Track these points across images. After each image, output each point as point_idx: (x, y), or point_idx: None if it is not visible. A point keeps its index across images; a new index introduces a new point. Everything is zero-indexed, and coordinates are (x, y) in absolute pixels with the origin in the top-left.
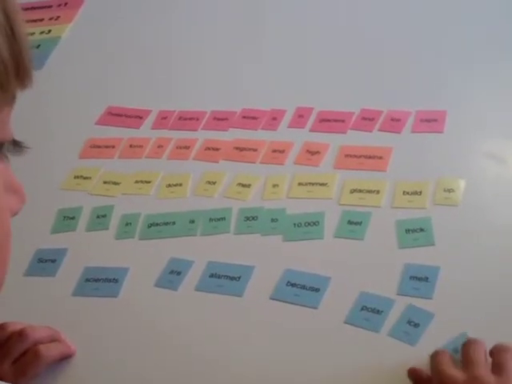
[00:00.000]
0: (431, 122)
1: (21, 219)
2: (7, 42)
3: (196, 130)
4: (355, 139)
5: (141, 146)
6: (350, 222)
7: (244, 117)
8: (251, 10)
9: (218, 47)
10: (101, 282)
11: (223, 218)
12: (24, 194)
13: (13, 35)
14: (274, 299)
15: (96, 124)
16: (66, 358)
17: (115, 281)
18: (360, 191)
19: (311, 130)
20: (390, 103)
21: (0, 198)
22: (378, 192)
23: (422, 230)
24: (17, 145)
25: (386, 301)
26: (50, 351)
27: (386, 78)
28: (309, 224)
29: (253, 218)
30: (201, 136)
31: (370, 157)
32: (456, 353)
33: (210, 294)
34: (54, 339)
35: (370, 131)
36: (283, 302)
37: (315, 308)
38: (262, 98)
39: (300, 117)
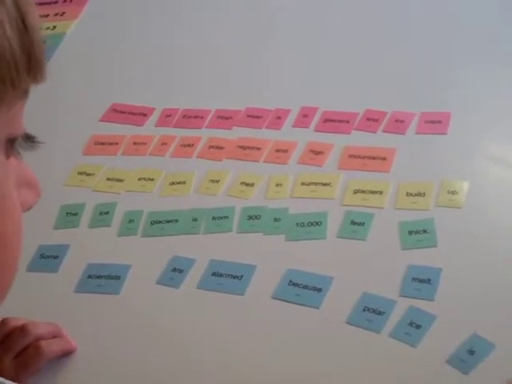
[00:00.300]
0: (435, 123)
1: (24, 214)
2: (18, 36)
3: (200, 128)
4: (359, 140)
5: (144, 144)
6: (352, 223)
7: (248, 115)
8: (257, 9)
9: (223, 46)
10: (103, 279)
11: (226, 217)
12: (39, 187)
13: (24, 28)
14: (275, 298)
15: (100, 121)
16: (67, 354)
17: (117, 278)
18: (363, 192)
19: (315, 130)
20: (395, 104)
21: (11, 194)
22: (381, 193)
23: (424, 231)
24: (29, 140)
25: (388, 302)
26: (51, 347)
27: (390, 79)
28: (311, 224)
29: (256, 217)
30: (205, 134)
31: (373, 158)
32: (471, 354)
33: (212, 293)
34: (55, 335)
35: (374, 132)
36: (285, 301)
37: (317, 308)
38: (267, 96)
39: (304, 116)
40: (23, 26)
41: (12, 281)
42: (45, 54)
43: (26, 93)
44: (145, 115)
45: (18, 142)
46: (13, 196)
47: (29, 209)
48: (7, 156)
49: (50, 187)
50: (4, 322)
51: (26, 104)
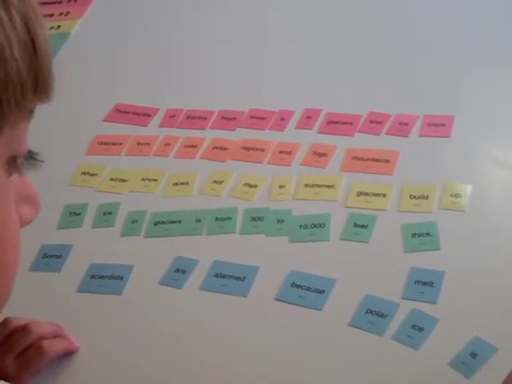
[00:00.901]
0: (439, 126)
1: None
2: (26, 58)
3: (204, 129)
4: (363, 142)
5: (148, 144)
6: (355, 225)
7: (252, 117)
8: (261, 9)
9: (227, 47)
10: (105, 279)
11: (229, 218)
12: (39, 203)
13: (34, 50)
14: (278, 300)
15: (104, 121)
16: (69, 354)
17: (120, 278)
18: (366, 194)
19: (319, 132)
20: (398, 107)
21: (11, 211)
22: (384, 195)
23: (427, 234)
24: (31, 158)
25: (391, 304)
26: (53, 347)
27: (394, 82)
28: (315, 226)
29: (259, 219)
30: (208, 135)
31: (377, 160)
32: (473, 357)
33: (215, 294)
34: (57, 335)
35: (378, 134)
36: (288, 303)
37: (320, 310)
38: (271, 98)
39: (308, 118)
40: (32, 49)
41: (8, 295)
42: (53, 75)
43: (31, 113)
44: (149, 116)
45: (19, 160)
46: (12, 213)
47: (28, 224)
48: (9, 174)
49: (53, 187)
50: (6, 321)
51: (30, 124)
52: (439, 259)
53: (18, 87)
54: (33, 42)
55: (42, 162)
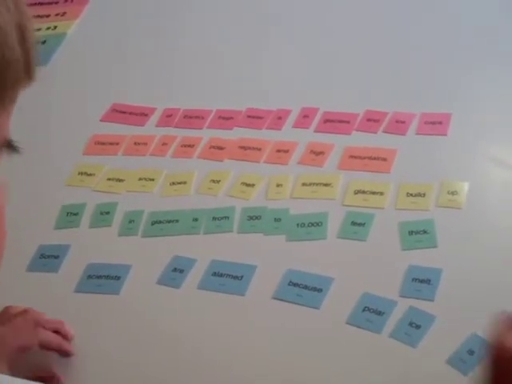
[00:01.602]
0: (436, 124)
1: (24, 214)
2: (20, 47)
3: (201, 129)
4: (360, 140)
5: (145, 144)
6: (353, 223)
7: (249, 116)
8: (258, 9)
9: (224, 46)
10: (103, 279)
11: (226, 217)
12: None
13: (23, 40)
14: (276, 299)
15: (101, 121)
16: (63, 352)
17: (117, 278)
18: (364, 192)
19: (316, 131)
20: (395, 105)
21: None
22: (381, 193)
23: (425, 232)
24: (10, 146)
25: (388, 302)
26: (47, 336)
27: (391, 80)
28: (312, 224)
29: (256, 218)
30: (205, 134)
31: (374, 158)
32: (470, 354)
33: (213, 293)
34: (57, 329)
35: (375, 133)
36: (285, 301)
37: (317, 308)
38: (268, 97)
39: (305, 117)
40: (23, 39)
41: None
42: (37, 56)
43: (12, 101)
44: (146, 115)
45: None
46: None
47: None
48: None
49: (50, 187)
50: (5, 310)
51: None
52: (436, 257)
53: (20, 66)
54: (23, 34)
55: (21, 148)
